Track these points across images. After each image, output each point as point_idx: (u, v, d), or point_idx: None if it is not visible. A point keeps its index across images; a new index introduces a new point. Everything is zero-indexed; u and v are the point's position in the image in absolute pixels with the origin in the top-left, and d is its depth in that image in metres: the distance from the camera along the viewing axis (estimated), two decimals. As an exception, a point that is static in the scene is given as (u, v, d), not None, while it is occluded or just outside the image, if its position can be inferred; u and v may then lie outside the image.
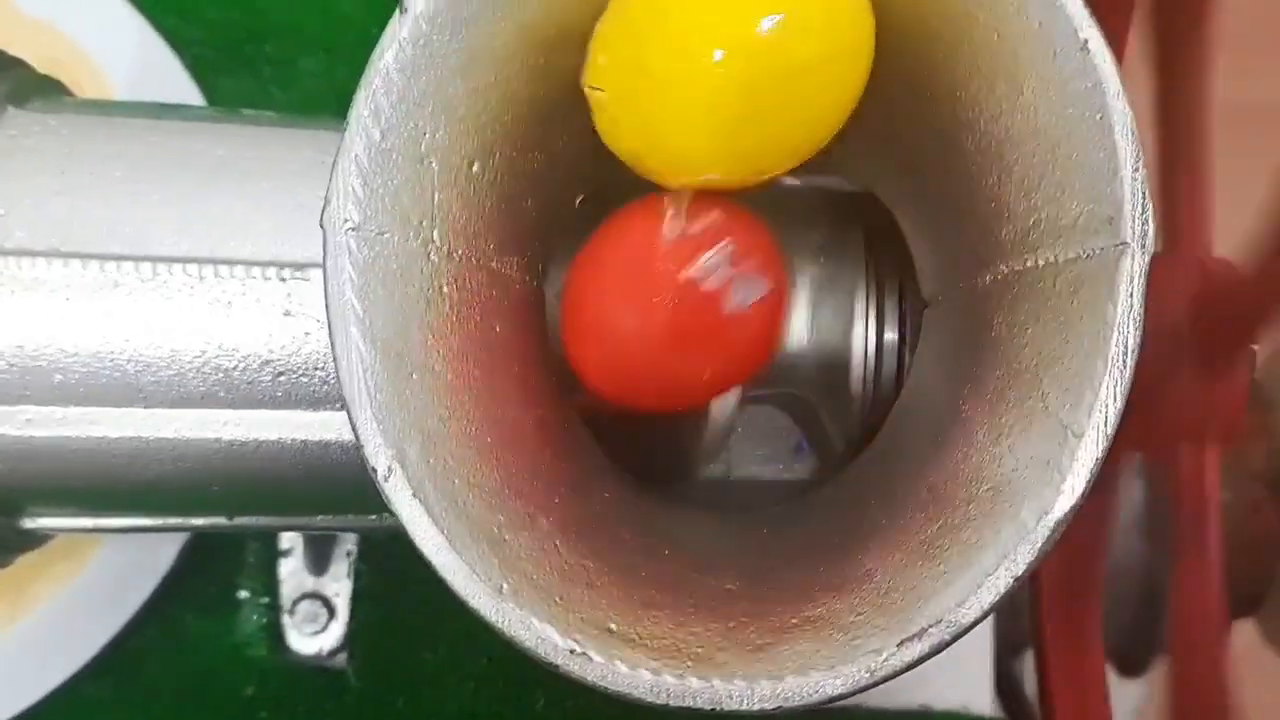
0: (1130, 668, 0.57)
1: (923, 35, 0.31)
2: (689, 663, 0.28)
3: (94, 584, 0.51)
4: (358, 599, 0.51)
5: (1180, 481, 0.38)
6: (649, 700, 0.28)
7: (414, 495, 0.28)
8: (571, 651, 0.28)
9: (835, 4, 0.30)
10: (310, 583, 0.51)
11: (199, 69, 0.54)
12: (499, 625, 0.28)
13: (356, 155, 0.30)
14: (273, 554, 0.51)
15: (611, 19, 0.31)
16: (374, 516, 0.39)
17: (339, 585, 0.51)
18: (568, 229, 0.36)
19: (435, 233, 0.31)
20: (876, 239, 0.38)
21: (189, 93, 0.53)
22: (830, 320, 0.38)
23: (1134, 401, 0.28)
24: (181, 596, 0.52)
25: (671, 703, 0.28)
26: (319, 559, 0.51)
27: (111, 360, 0.35)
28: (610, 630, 0.29)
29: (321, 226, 0.29)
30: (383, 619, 0.52)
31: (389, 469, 0.28)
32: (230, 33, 0.56)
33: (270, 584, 0.52)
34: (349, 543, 0.51)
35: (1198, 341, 0.37)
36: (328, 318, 0.29)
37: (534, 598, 0.28)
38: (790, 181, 0.39)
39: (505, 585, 0.28)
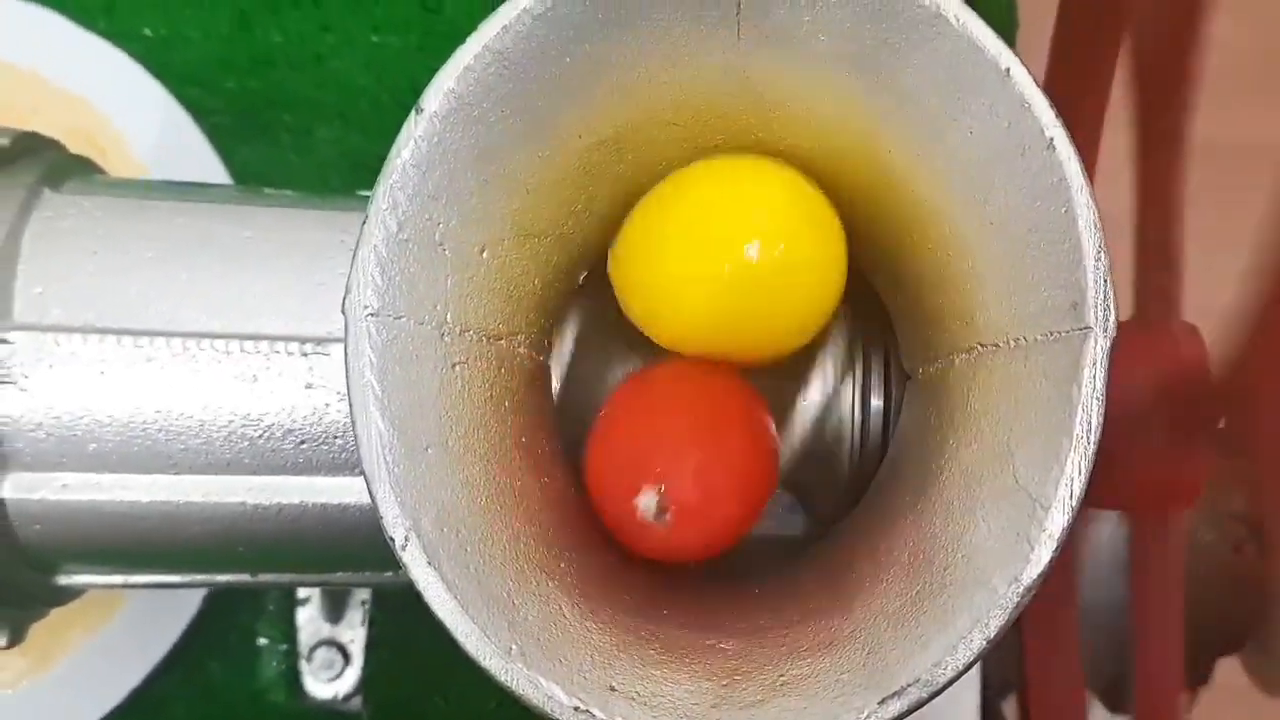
0: (1116, 702, 0.59)
1: (902, 131, 0.34)
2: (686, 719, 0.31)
3: (122, 632, 0.53)
4: (372, 646, 0.53)
5: (1145, 545, 0.40)
6: (648, 753, 0.30)
7: (429, 563, 0.31)
8: (576, 709, 0.30)
9: (802, 227, 0.35)
10: (327, 630, 0.53)
11: (219, 137, 0.56)
12: (509, 685, 0.30)
13: (375, 246, 0.32)
14: (291, 603, 0.53)
15: (630, 229, 0.37)
16: (389, 573, 0.41)
17: (354, 633, 0.53)
18: (572, 305, 0.38)
19: (448, 315, 0.33)
20: (862, 310, 0.40)
21: (209, 159, 0.56)
22: (820, 393, 0.40)
23: (1102, 465, 0.30)
24: (204, 644, 0.55)
25: (669, 756, 0.30)
26: (335, 608, 0.53)
27: (143, 430, 0.37)
28: (612, 689, 0.31)
29: (343, 313, 0.32)
30: (396, 664, 0.55)
31: (405, 539, 0.31)
32: (249, 102, 0.59)
33: (289, 632, 0.54)
34: (363, 592, 0.53)
35: (1166, 416, 0.39)
36: (349, 397, 0.31)
37: (540, 659, 0.31)
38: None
39: (514, 647, 0.30)
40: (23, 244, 0.38)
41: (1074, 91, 0.43)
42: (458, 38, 0.56)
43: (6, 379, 0.37)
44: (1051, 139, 0.31)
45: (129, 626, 0.53)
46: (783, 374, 0.40)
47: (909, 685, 0.30)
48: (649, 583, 0.36)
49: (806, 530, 0.44)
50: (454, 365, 0.33)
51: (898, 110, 0.33)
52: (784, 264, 0.35)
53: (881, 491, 0.38)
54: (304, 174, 0.58)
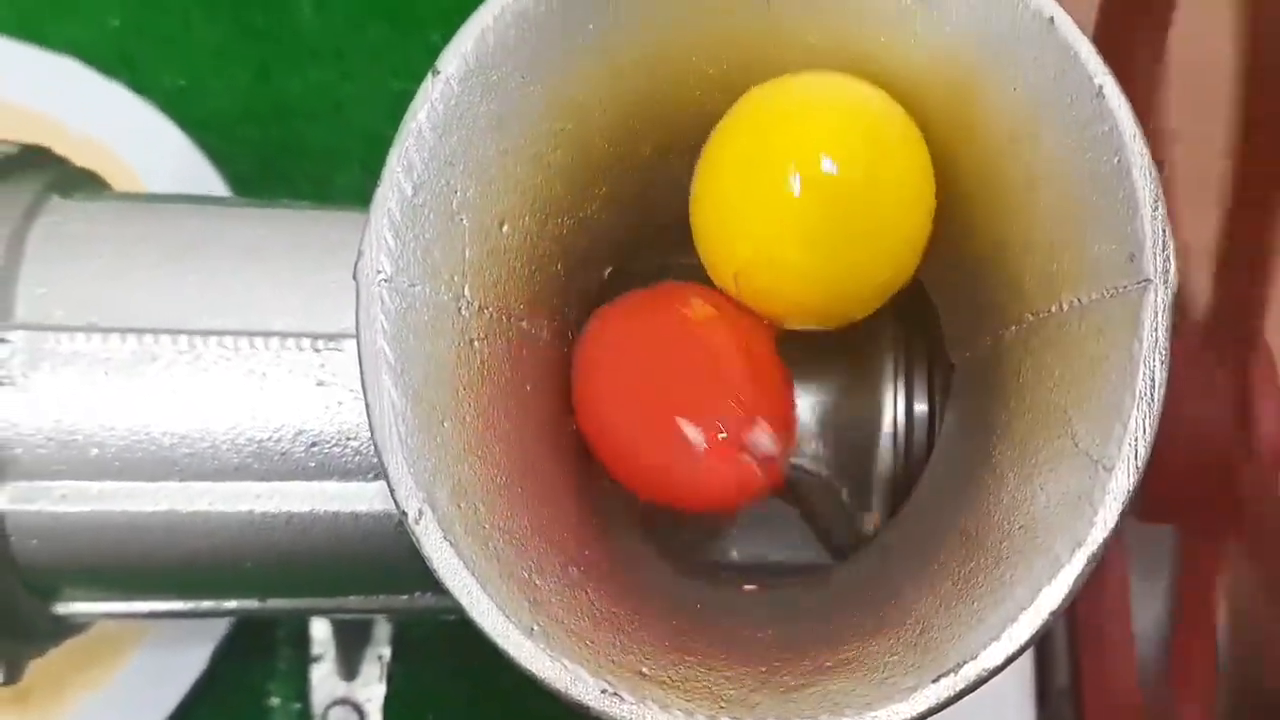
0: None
1: (944, 92, 0.32)
2: (722, 704, 0.28)
3: (125, 691, 0.50)
4: (390, 702, 0.50)
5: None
6: (683, 743, 0.28)
7: (444, 538, 0.28)
8: (603, 691, 0.28)
9: (880, 137, 0.32)
10: (342, 689, 0.51)
11: (239, 185, 0.56)
12: (530, 667, 0.28)
13: (389, 209, 0.30)
14: (304, 660, 0.51)
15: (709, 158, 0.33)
16: (406, 596, 0.39)
17: (370, 690, 0.51)
18: (598, 300, 0.36)
19: (466, 288, 0.31)
20: (904, 312, 0.38)
21: (229, 208, 0.55)
22: (859, 403, 0.38)
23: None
24: (212, 704, 0.52)
25: (705, 745, 0.28)
26: (350, 663, 0.50)
27: (147, 433, 0.36)
28: (642, 674, 0.28)
29: (354, 278, 0.30)
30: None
31: (419, 512, 0.28)
32: (269, 151, 0.58)
33: (302, 690, 0.51)
34: (382, 645, 0.51)
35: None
36: (360, 366, 0.29)
37: (565, 640, 0.28)
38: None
39: (536, 626, 0.28)
40: (27, 245, 0.37)
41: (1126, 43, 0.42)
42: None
43: (6, 380, 0.35)
44: (1100, 86, 0.30)
45: (133, 684, 0.50)
46: (823, 376, 0.38)
47: (964, 662, 0.28)
48: (678, 578, 0.34)
49: (839, 553, 0.41)
50: (472, 341, 0.31)
51: (940, 72, 0.32)
52: (869, 181, 0.31)
53: (926, 493, 0.36)
54: (324, 223, 0.57)
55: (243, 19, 0.59)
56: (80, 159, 0.49)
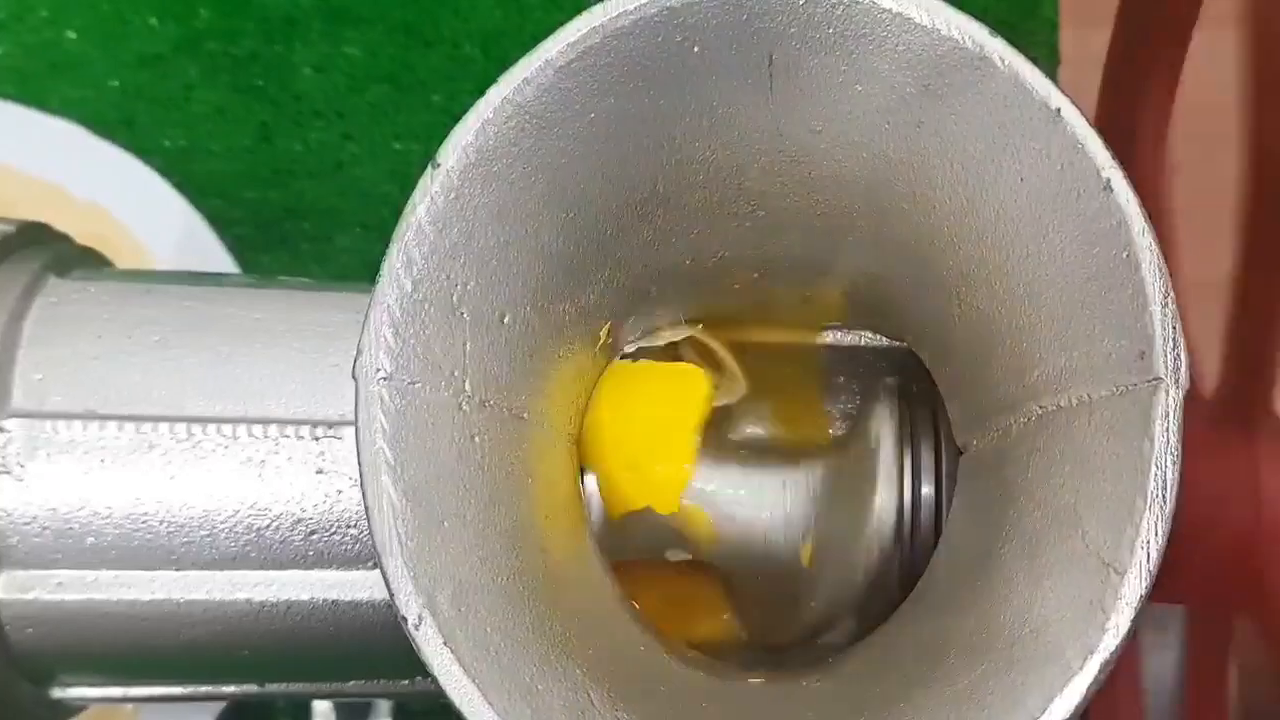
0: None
1: (947, 183, 0.32)
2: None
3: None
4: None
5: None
6: None
7: (445, 644, 0.28)
8: (606, 805, 0.27)
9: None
10: (344, 754, 0.50)
11: (240, 248, 0.55)
12: (533, 778, 0.27)
13: (389, 305, 0.30)
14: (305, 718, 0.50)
15: None
16: (407, 681, 0.39)
17: (373, 757, 0.50)
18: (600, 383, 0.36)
19: (467, 383, 0.31)
20: (908, 393, 0.38)
21: (229, 270, 0.54)
22: (861, 485, 0.37)
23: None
24: (212, 773, 0.51)
25: None
26: (353, 728, 0.50)
27: (144, 522, 0.35)
28: (646, 784, 0.28)
29: (354, 377, 0.30)
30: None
31: (419, 617, 0.28)
32: (269, 212, 0.58)
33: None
34: (384, 713, 0.50)
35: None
36: (359, 466, 0.29)
37: (568, 751, 0.28)
38: (822, 340, 0.39)
39: (538, 735, 0.28)
40: (24, 329, 0.36)
41: (1128, 128, 0.41)
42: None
43: (2, 469, 0.35)
44: (1108, 180, 0.29)
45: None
46: (827, 462, 0.37)
47: (978, 773, 0.27)
48: (685, 675, 0.33)
49: (851, 637, 0.40)
50: (473, 437, 0.31)
51: (942, 163, 0.32)
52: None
53: (933, 581, 0.35)
54: (324, 283, 0.56)
55: (242, 80, 0.59)
56: (83, 223, 0.49)
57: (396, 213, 0.56)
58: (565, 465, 0.34)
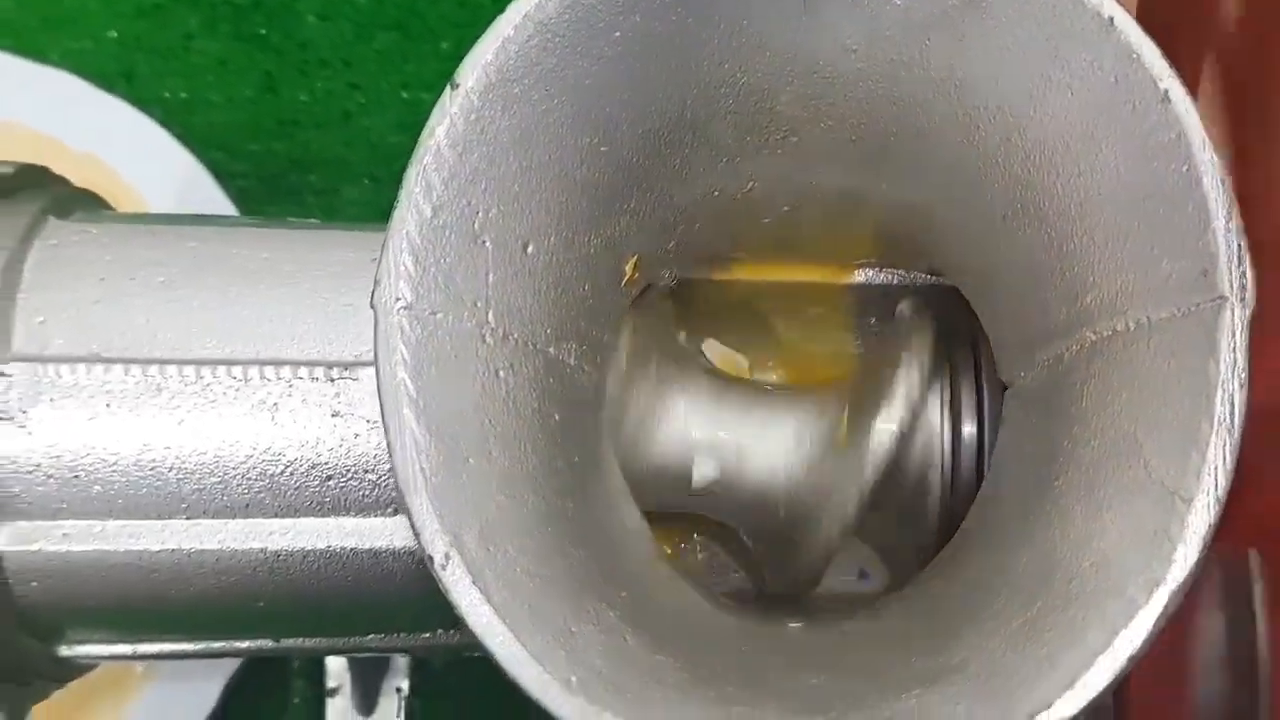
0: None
1: (992, 101, 0.30)
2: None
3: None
4: (409, 736, 0.49)
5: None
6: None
7: (474, 583, 0.26)
8: (646, 748, 0.26)
9: None
10: (359, 724, 0.49)
11: (243, 200, 0.54)
12: (569, 720, 0.26)
13: (408, 232, 0.29)
14: (319, 694, 0.49)
15: None
16: (427, 634, 0.37)
17: (388, 726, 0.49)
18: (627, 321, 0.34)
19: (490, 315, 0.29)
20: (945, 332, 0.36)
21: (233, 225, 0.53)
22: (901, 420, 0.36)
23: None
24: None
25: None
26: (368, 696, 0.48)
27: (153, 468, 0.34)
28: (687, 727, 0.27)
29: (372, 307, 0.28)
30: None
31: (446, 556, 0.27)
32: (274, 164, 0.56)
33: (316, 726, 0.49)
34: (399, 678, 0.49)
35: None
36: (380, 400, 0.27)
37: (604, 692, 0.26)
38: (853, 279, 0.38)
39: (574, 678, 0.26)
40: (24, 272, 0.35)
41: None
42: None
43: (4, 415, 0.33)
44: (1166, 90, 0.28)
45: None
46: (855, 401, 0.36)
47: (1037, 713, 0.26)
48: (722, 620, 0.32)
49: (890, 582, 0.39)
50: (497, 372, 0.29)
51: (987, 79, 0.30)
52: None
53: (980, 520, 0.34)
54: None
55: (245, 30, 0.58)
56: (80, 176, 0.48)
57: (405, 164, 0.54)
58: (593, 410, 0.33)
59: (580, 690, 0.26)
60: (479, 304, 0.29)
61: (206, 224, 0.38)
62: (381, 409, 0.27)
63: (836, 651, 0.31)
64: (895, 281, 0.38)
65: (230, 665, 0.49)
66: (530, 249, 0.30)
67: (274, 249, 0.36)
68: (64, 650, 0.37)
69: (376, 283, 0.28)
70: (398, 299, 0.28)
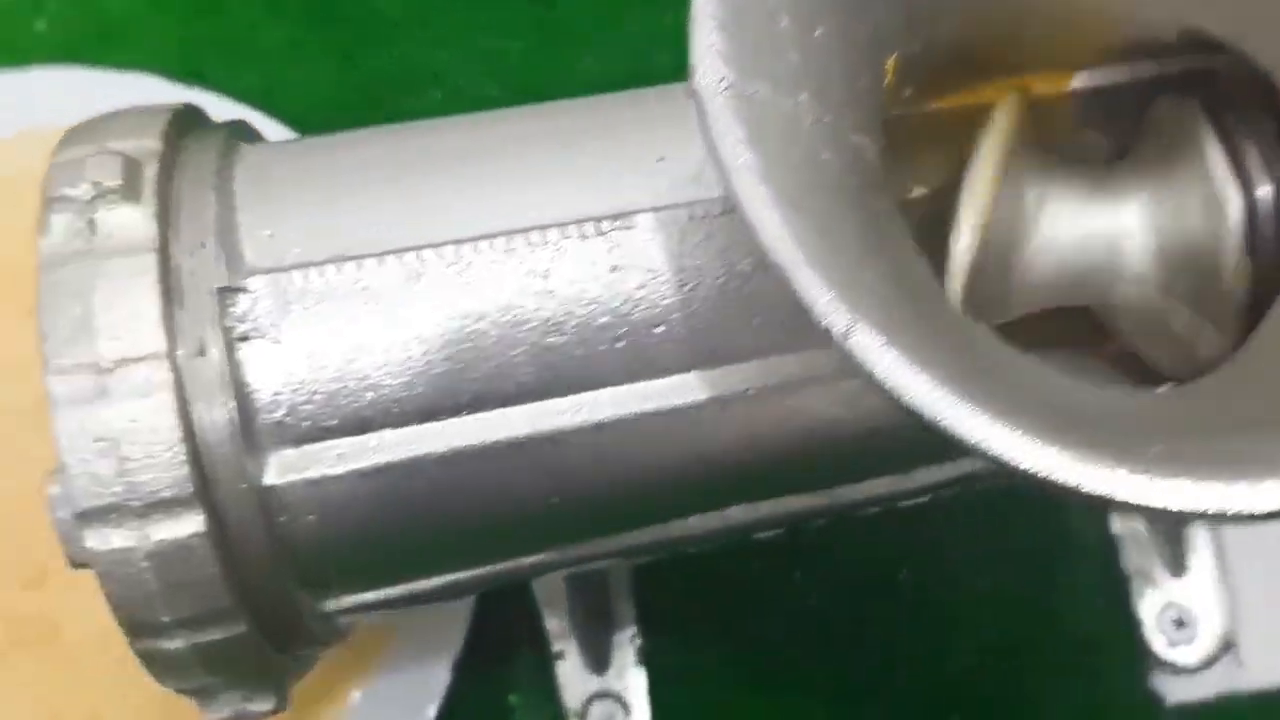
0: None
1: None
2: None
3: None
4: (655, 685, 0.45)
5: None
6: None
7: (887, 344, 0.24)
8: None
9: None
10: (595, 683, 0.45)
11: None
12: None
13: (712, 13, 0.26)
14: (546, 660, 0.46)
15: None
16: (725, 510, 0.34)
17: (627, 680, 0.45)
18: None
19: (803, 95, 0.27)
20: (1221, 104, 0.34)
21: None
22: (1179, 201, 0.34)
23: None
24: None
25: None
26: (598, 654, 0.45)
27: (426, 363, 0.31)
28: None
29: (693, 91, 0.26)
30: (691, 698, 0.46)
31: (851, 322, 0.24)
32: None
33: (549, 693, 0.46)
34: (628, 628, 0.46)
35: None
36: (725, 183, 0.25)
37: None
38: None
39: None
40: (236, 191, 0.32)
41: None
42: (572, 30, 0.52)
43: (254, 333, 0.30)
44: None
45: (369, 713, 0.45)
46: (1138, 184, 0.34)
47: None
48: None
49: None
50: (821, 154, 0.27)
51: None
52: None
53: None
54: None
55: (312, 8, 0.55)
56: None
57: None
58: (892, 201, 0.31)
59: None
60: (789, 84, 0.27)
61: (394, 129, 0.36)
62: (731, 190, 0.25)
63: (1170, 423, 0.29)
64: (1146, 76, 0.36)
65: (455, 644, 0.45)
66: (818, 32, 0.28)
67: (491, 131, 0.34)
68: (330, 604, 0.34)
69: (691, 70, 0.26)
70: (720, 79, 0.26)
